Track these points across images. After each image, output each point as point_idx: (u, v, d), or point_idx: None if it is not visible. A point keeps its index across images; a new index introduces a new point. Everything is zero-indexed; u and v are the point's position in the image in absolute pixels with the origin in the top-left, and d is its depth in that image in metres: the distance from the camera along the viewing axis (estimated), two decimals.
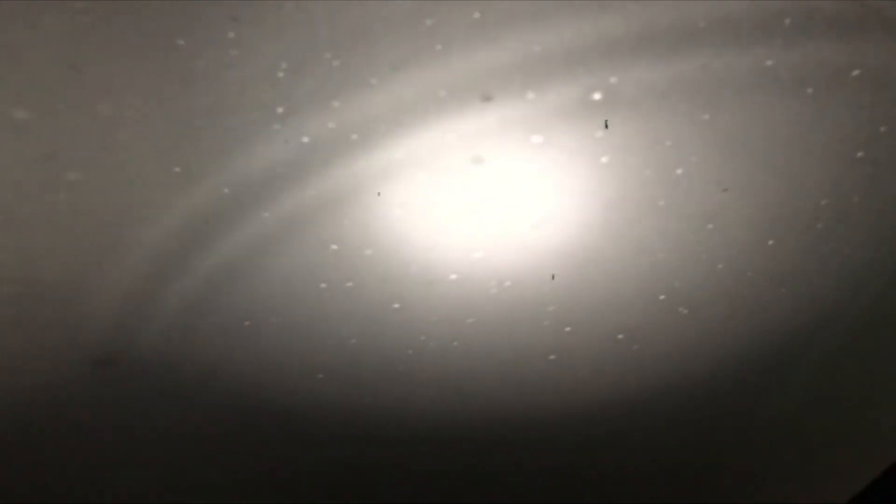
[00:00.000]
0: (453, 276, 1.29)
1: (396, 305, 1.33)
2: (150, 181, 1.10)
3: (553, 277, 1.28)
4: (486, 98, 0.98)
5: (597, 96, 0.98)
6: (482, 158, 1.07)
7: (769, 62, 0.92)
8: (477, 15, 0.90)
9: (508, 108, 1.00)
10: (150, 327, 1.36)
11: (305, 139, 1.05)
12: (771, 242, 1.20)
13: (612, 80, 0.95)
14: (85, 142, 1.04)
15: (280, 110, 1.01)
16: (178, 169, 1.08)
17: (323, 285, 1.28)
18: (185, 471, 1.86)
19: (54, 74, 0.96)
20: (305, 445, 1.76)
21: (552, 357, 1.51)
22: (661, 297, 1.34)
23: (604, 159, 1.07)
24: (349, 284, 1.28)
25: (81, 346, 1.38)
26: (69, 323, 1.32)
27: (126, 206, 1.13)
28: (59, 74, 0.95)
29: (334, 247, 1.21)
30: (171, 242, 1.20)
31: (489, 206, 1.16)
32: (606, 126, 1.01)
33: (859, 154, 1.04)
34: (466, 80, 0.97)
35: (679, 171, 1.08)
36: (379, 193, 1.12)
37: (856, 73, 0.93)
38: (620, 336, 1.47)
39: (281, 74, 0.97)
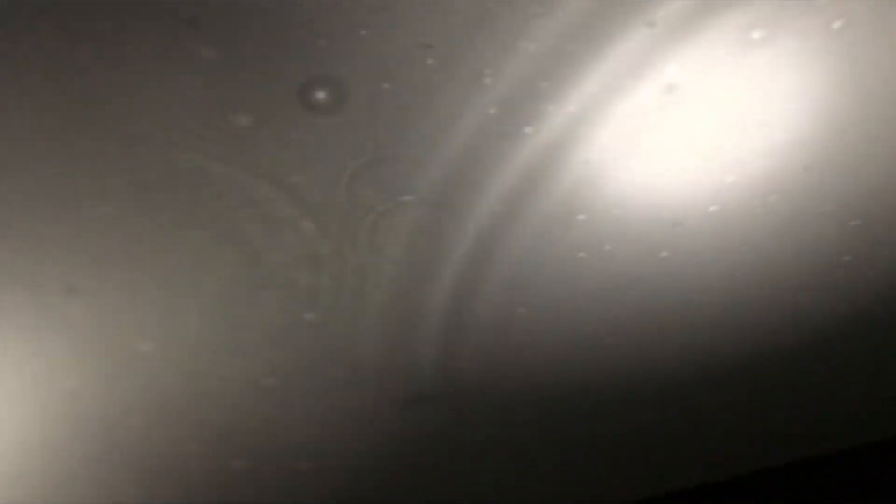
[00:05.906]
0: (713, 208, 1.20)
1: (664, 254, 1.28)
2: None
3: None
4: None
5: None
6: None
7: None
8: None
9: None
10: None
11: (527, 129, 1.03)
12: None
13: None
14: None
15: (492, 111, 1.00)
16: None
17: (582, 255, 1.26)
18: None
19: None
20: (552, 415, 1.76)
21: (846, 257, 1.37)
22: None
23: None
24: (607, 248, 1.25)
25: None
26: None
27: None
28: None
29: (581, 217, 1.18)
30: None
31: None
32: None
33: None
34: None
35: None
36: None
37: None
38: None
39: (488, 80, 0.95)
